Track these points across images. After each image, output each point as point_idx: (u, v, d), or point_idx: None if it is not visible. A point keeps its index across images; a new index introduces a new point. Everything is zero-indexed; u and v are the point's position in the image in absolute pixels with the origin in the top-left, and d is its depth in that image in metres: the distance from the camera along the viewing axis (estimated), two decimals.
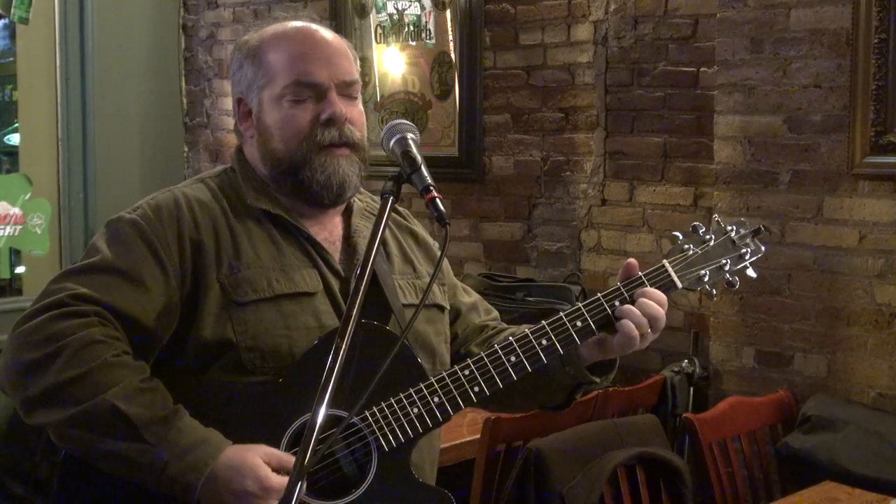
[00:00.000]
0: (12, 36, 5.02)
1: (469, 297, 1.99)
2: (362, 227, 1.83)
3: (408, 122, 1.68)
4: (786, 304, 3.37)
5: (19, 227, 4.63)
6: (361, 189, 1.84)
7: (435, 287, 1.88)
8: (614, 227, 4.01)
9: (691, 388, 3.56)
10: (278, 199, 1.78)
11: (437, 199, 1.53)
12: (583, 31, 4.04)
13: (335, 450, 1.62)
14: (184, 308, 1.66)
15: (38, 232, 4.70)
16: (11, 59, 5.13)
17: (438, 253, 1.94)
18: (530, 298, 3.87)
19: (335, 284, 1.74)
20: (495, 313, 2.02)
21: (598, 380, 1.80)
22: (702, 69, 3.72)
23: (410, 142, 1.62)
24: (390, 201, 1.55)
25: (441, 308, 1.88)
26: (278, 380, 1.63)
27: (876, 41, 3.16)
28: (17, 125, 5.18)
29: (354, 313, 1.41)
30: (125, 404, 1.53)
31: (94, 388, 1.54)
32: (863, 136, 3.20)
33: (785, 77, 3.36)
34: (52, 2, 4.83)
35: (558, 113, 4.14)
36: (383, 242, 1.83)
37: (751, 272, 1.83)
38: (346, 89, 1.78)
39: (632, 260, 1.77)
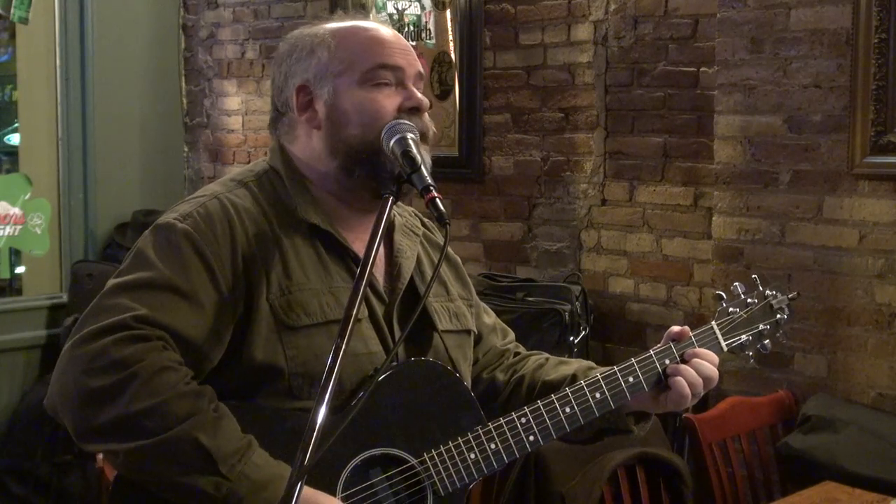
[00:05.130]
0: (12, 35, 5.02)
1: (489, 318, 1.98)
2: (405, 247, 1.79)
3: (408, 122, 1.65)
4: None
5: (19, 227, 4.62)
6: (400, 203, 1.76)
7: (466, 311, 1.87)
8: (614, 227, 4.01)
9: None
10: (325, 209, 1.71)
11: (437, 199, 1.51)
12: (583, 31, 4.04)
13: (391, 491, 1.61)
14: (235, 329, 1.60)
15: (38, 232, 4.69)
16: (11, 56, 5.13)
17: (465, 271, 1.96)
18: (530, 298, 3.87)
19: (379, 309, 1.70)
20: (511, 335, 2.01)
21: (634, 428, 1.83)
22: (702, 69, 3.72)
23: (410, 142, 1.60)
24: (390, 201, 1.55)
25: (470, 332, 1.86)
26: (340, 407, 1.58)
27: (876, 41, 3.16)
28: (17, 125, 5.18)
29: (354, 313, 1.40)
30: (204, 436, 1.48)
31: (170, 419, 1.48)
32: (863, 136, 3.20)
33: (785, 77, 3.36)
34: (52, 2, 4.83)
35: (558, 113, 4.14)
36: (418, 262, 1.80)
37: (782, 337, 1.93)
38: (418, 82, 1.74)
39: (686, 328, 1.81)
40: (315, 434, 1.30)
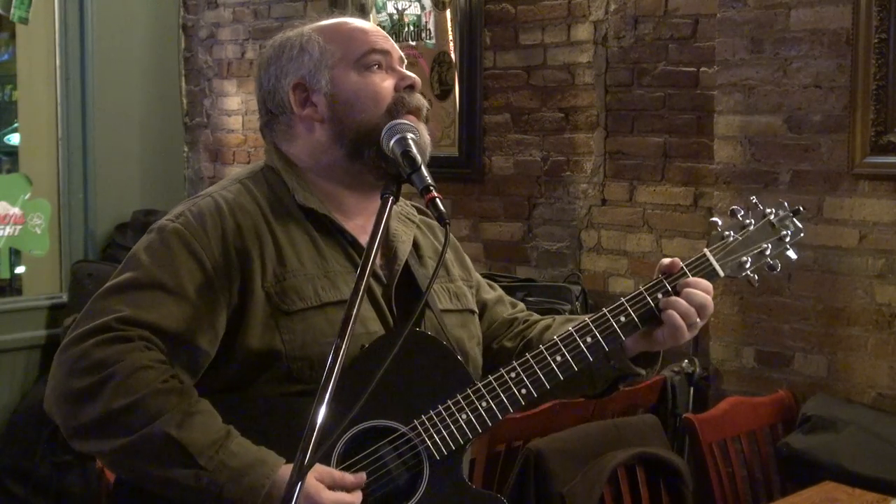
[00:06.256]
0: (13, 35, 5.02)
1: (493, 291, 1.99)
2: (401, 232, 1.81)
3: (408, 122, 1.68)
4: (786, 304, 3.37)
5: (19, 227, 4.63)
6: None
7: (466, 291, 1.88)
8: (614, 227, 4.01)
9: (691, 388, 3.56)
10: (322, 195, 1.75)
11: (437, 199, 1.52)
12: (583, 31, 4.04)
13: (386, 461, 1.63)
14: (230, 318, 1.63)
15: (38, 232, 4.69)
16: (11, 56, 5.13)
17: (464, 252, 1.98)
18: (530, 298, 3.87)
19: (378, 290, 1.73)
20: (521, 305, 2.01)
21: (643, 372, 1.79)
22: (702, 69, 3.72)
23: (410, 142, 1.62)
24: (390, 202, 1.55)
25: (472, 312, 1.88)
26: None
27: (876, 41, 3.16)
28: (17, 125, 5.18)
29: (354, 313, 1.41)
30: (178, 431, 1.52)
31: (146, 416, 1.53)
32: (863, 136, 3.20)
33: (785, 77, 3.36)
34: (52, 2, 4.83)
35: (558, 113, 4.14)
36: (415, 246, 1.83)
37: (791, 254, 1.81)
38: (402, 64, 1.80)
39: (676, 259, 1.78)
40: (315, 434, 1.32)
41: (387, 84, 1.75)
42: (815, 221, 3.32)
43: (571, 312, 3.75)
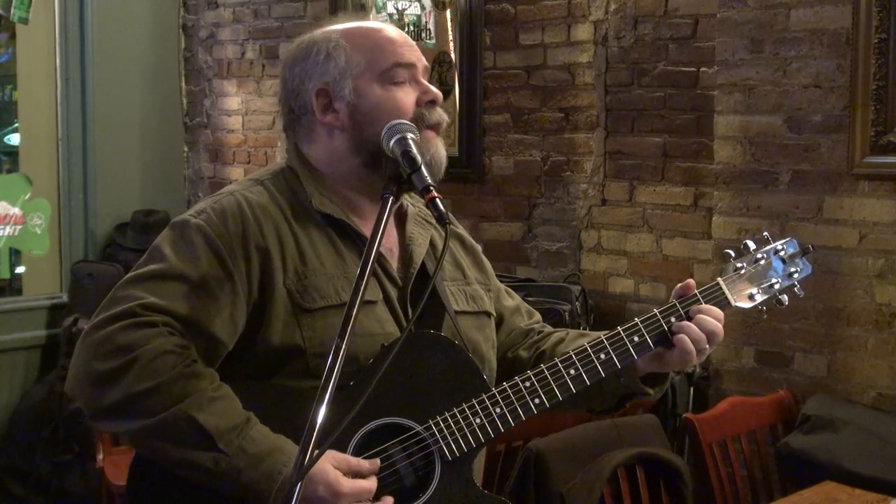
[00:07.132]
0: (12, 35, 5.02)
1: (512, 300, 2.01)
2: (417, 235, 1.84)
3: (408, 122, 1.69)
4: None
5: (19, 227, 4.63)
6: (413, 193, 1.83)
7: (483, 293, 1.91)
8: (614, 227, 4.01)
9: (691, 388, 3.56)
10: (339, 200, 1.77)
11: (437, 199, 1.54)
12: (583, 31, 4.04)
13: (400, 457, 1.66)
14: (251, 315, 1.67)
15: (38, 232, 4.69)
16: (11, 56, 5.13)
17: (484, 257, 2.00)
18: (530, 298, 3.86)
19: (393, 293, 1.76)
20: (537, 315, 2.04)
21: (650, 391, 1.84)
22: (702, 69, 3.72)
23: (410, 142, 1.63)
24: (390, 202, 1.56)
25: (489, 315, 1.90)
26: (347, 384, 1.63)
27: (876, 41, 3.16)
28: (17, 125, 5.18)
29: (354, 313, 1.42)
30: (201, 414, 1.56)
31: (169, 398, 1.57)
32: (863, 136, 3.20)
33: (785, 77, 3.36)
34: (52, 2, 4.83)
35: (558, 113, 4.14)
36: (432, 246, 1.85)
37: (798, 290, 1.91)
38: (426, 75, 1.82)
39: (690, 280, 1.82)
40: (315, 433, 1.33)
41: (409, 100, 1.76)
42: (814, 221, 3.32)
43: (571, 312, 3.76)
